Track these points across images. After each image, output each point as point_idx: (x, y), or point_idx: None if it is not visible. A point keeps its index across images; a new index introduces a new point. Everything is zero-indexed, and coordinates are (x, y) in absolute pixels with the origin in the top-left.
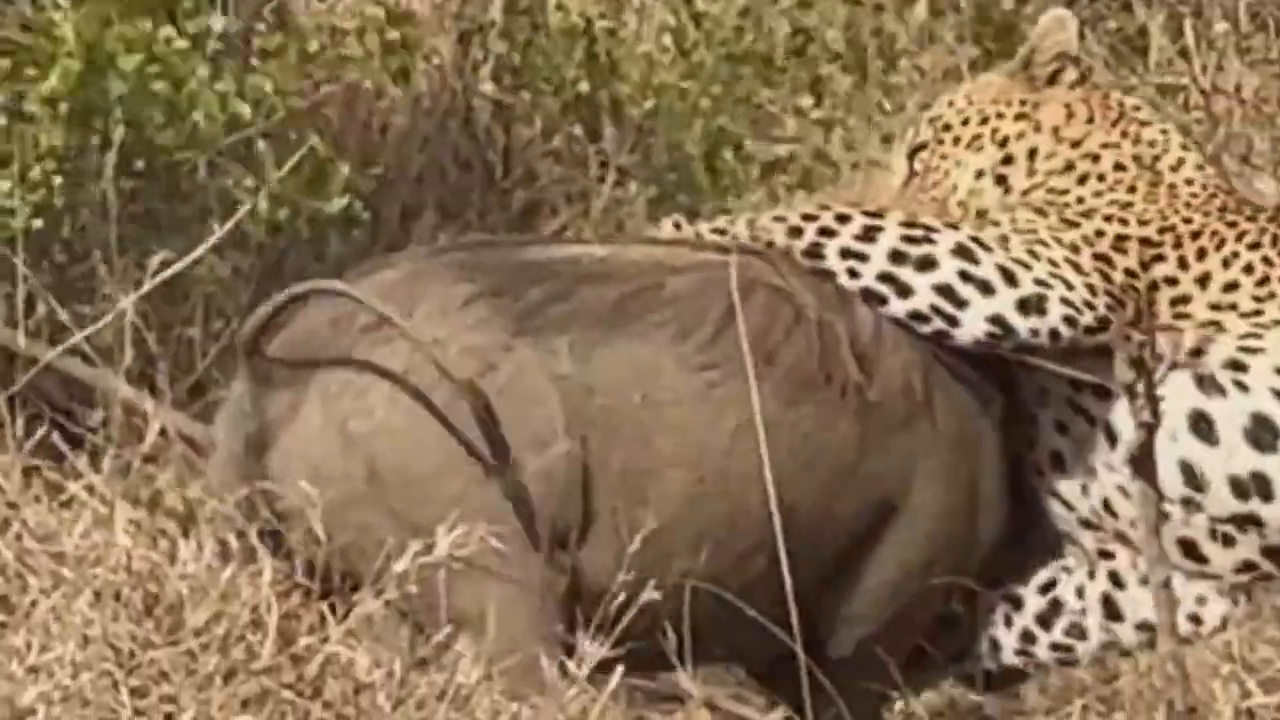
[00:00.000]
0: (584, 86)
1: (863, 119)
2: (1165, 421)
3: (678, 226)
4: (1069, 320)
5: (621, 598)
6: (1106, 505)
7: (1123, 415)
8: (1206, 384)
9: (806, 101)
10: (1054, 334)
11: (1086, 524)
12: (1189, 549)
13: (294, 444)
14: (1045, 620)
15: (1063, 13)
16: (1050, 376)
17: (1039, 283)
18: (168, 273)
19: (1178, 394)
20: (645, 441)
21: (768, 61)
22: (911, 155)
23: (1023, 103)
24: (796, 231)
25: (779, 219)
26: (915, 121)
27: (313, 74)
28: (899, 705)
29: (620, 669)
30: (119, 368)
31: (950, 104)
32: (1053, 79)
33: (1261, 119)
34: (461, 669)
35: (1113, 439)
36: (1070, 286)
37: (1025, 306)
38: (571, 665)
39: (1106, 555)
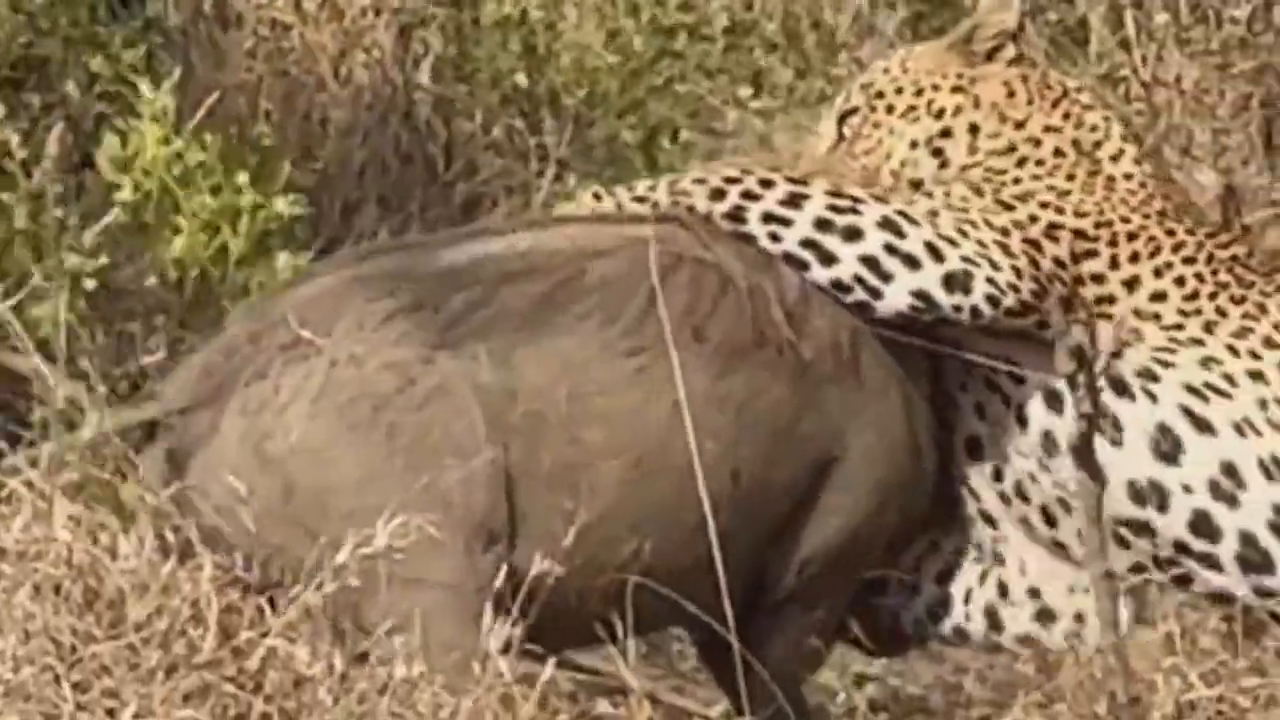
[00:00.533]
0: (521, 79)
1: (803, 110)
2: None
3: (598, 197)
4: (991, 300)
5: (555, 583)
6: (1019, 489)
7: (1035, 401)
8: (1118, 386)
9: (746, 92)
10: (975, 311)
11: (988, 519)
12: None
13: (212, 461)
14: (935, 615)
15: None
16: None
17: (965, 260)
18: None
19: None
20: (573, 437)
21: (706, 52)
22: (841, 120)
23: (959, 76)
24: (719, 194)
25: (700, 181)
26: (847, 87)
27: (253, 67)
28: (841, 698)
29: (552, 661)
30: (57, 362)
31: (885, 70)
32: (990, 55)
33: (1202, 110)
34: (402, 664)
35: (1023, 423)
36: (997, 267)
37: (950, 283)
38: (503, 662)
39: (999, 559)
